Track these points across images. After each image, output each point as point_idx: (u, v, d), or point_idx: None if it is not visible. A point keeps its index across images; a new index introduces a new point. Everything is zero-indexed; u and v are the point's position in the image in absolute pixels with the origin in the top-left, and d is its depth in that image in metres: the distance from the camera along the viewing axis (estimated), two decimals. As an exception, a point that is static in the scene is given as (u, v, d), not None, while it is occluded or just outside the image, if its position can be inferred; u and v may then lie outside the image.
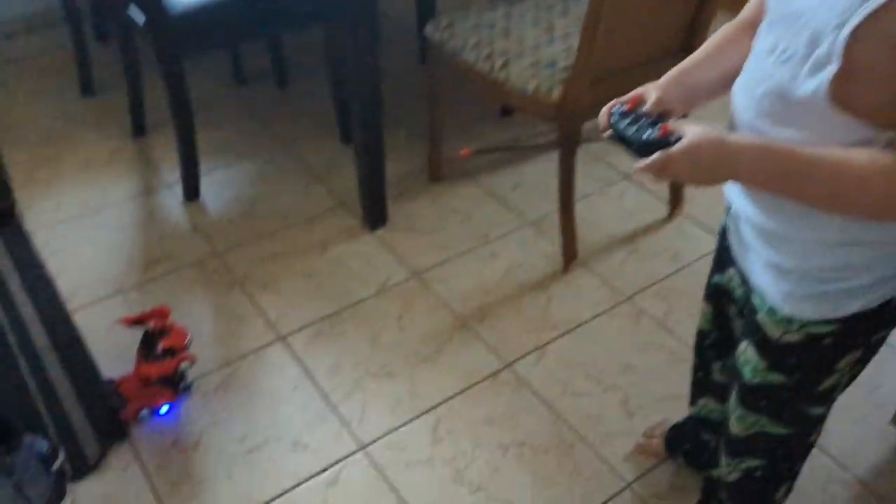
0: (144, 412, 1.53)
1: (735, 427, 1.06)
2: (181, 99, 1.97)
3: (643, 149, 0.84)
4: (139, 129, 2.35)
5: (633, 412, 1.55)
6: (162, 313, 1.54)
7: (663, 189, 2.07)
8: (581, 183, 1.90)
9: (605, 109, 0.91)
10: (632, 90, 0.94)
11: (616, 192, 2.14)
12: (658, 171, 0.83)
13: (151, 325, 1.53)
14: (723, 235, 1.08)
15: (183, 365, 1.55)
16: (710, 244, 1.22)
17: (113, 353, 1.66)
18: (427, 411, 1.55)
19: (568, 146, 1.75)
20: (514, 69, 1.73)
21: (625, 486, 1.42)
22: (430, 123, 2.10)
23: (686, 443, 1.40)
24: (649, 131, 0.85)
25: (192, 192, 2.10)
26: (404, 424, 1.53)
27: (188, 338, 1.54)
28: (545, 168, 2.17)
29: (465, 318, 1.76)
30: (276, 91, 2.57)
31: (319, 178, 2.19)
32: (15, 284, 1.90)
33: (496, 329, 1.73)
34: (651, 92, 0.93)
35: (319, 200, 2.11)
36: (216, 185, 2.16)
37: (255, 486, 1.42)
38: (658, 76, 0.98)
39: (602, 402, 1.57)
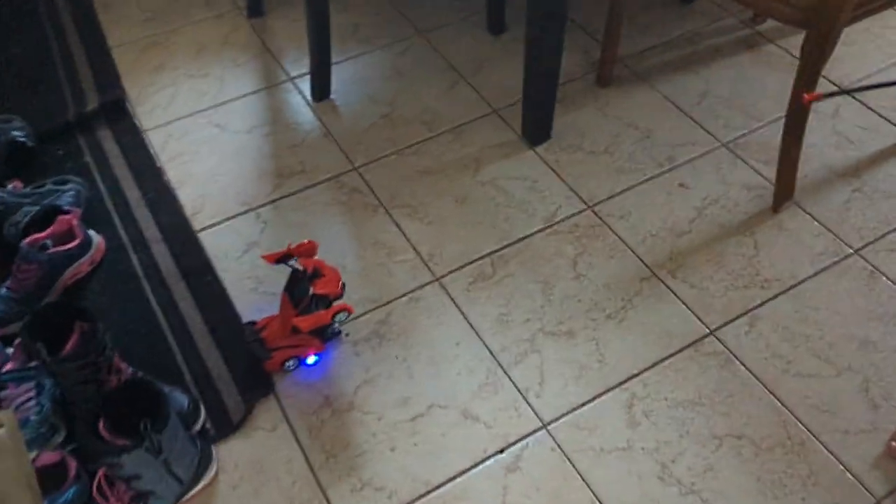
0: (291, 362, 1.32)
1: None
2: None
3: None
4: (255, 7, 2.03)
5: (879, 403, 1.26)
6: (310, 250, 1.30)
7: (891, 108, 1.68)
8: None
9: None
10: None
11: (830, 111, 1.75)
12: None
13: (300, 263, 1.29)
14: None
15: (338, 316, 1.32)
16: None
17: (248, 286, 1.45)
18: (619, 385, 1.30)
19: (819, 50, 1.35)
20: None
21: (874, 502, 1.16)
22: (611, 9, 1.71)
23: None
24: None
25: (323, 89, 1.81)
26: (592, 400, 1.28)
27: (342, 283, 1.30)
28: (736, 74, 1.79)
29: (654, 265, 1.47)
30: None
31: (465, 75, 1.86)
32: (134, 197, 1.69)
33: (694, 283, 1.44)
34: None
35: (469, 105, 1.79)
36: (347, 82, 1.86)
37: (423, 465, 1.22)
38: None
39: (836, 387, 1.29)
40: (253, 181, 1.64)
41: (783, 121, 1.47)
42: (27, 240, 1.40)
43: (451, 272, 1.47)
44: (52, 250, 1.40)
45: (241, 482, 1.20)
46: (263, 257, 1.28)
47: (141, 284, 1.46)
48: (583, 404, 1.28)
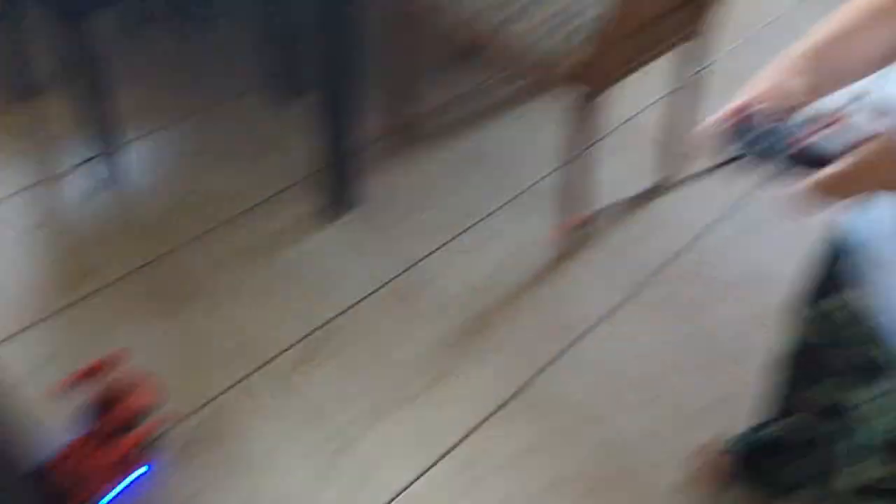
0: (99, 498, 1.21)
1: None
2: (89, 55, 1.54)
3: (803, 161, 0.66)
4: (24, 88, 1.87)
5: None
6: (114, 362, 1.21)
7: (645, 159, 1.86)
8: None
9: (709, 129, 0.73)
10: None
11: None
12: (839, 184, 0.65)
13: (101, 383, 1.19)
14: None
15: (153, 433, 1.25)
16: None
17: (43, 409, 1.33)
18: (450, 450, 1.34)
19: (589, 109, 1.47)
20: (521, 26, 1.44)
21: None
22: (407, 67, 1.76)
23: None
24: (827, 138, 0.66)
25: (114, 174, 1.71)
26: (429, 468, 1.31)
27: (154, 394, 1.22)
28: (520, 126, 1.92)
29: (468, 322, 1.53)
30: (181, 33, 2.12)
31: (268, 146, 1.84)
32: None
33: (500, 341, 1.51)
34: (790, 80, 0.72)
35: (273, 176, 1.77)
36: (139, 163, 1.77)
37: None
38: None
39: (652, 414, 1.41)
40: (40, 289, 1.51)
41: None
42: None
43: (276, 356, 1.44)
44: None
45: None
46: (59, 386, 1.16)
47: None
48: (422, 473, 1.30)
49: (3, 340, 1.42)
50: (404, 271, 1.60)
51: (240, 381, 1.40)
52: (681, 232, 1.73)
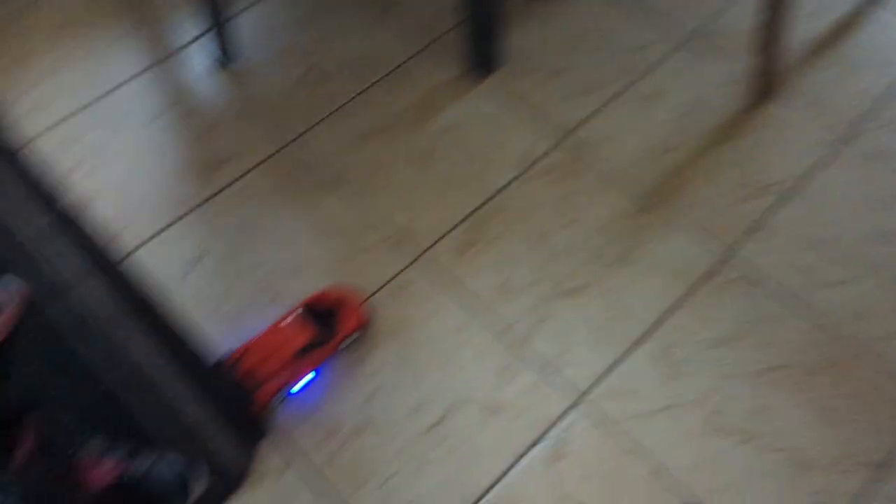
0: (278, 396, 1.14)
1: None
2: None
3: None
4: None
5: (912, 300, 1.20)
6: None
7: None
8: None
9: None
10: None
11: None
12: None
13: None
14: None
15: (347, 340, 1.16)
16: None
17: (204, 309, 1.25)
18: (645, 336, 1.19)
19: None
20: None
21: (932, 407, 1.11)
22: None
23: None
24: None
25: (227, 52, 1.54)
26: (622, 359, 1.17)
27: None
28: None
29: (647, 194, 1.34)
30: None
31: (389, 6, 1.63)
32: (37, 228, 1.41)
33: (693, 206, 1.32)
34: None
35: (400, 42, 1.56)
36: (252, 38, 1.59)
37: (461, 476, 1.09)
38: None
39: (865, 289, 1.22)
40: (175, 182, 1.40)
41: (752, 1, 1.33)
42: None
43: (431, 246, 1.30)
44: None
45: (262, 544, 1.05)
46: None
47: (74, 339, 1.23)
48: (613, 365, 1.17)
49: (150, 239, 1.33)
50: (564, 138, 1.41)
51: (395, 277, 1.27)
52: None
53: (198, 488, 1.07)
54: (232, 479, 1.09)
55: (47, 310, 1.26)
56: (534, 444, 1.11)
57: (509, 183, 1.36)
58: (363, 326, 1.19)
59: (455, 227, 1.31)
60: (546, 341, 1.19)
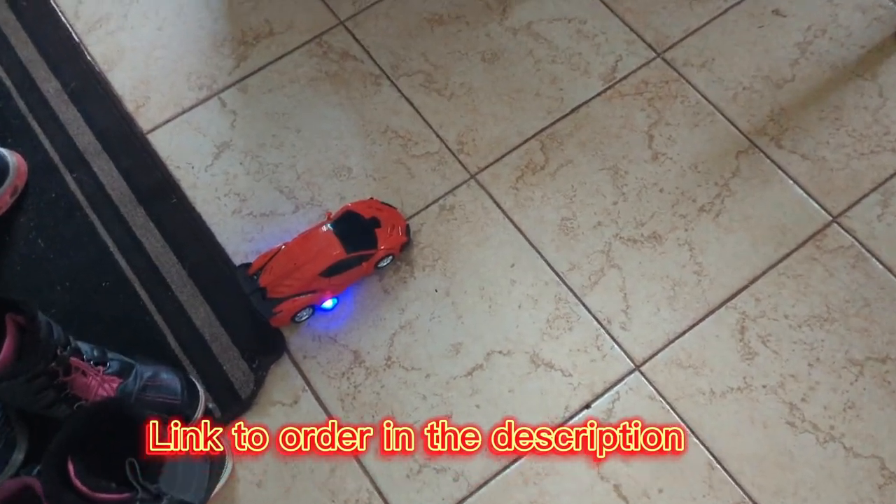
0: (304, 312, 1.02)
1: None
2: None
3: None
4: None
5: None
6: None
7: None
8: None
9: None
10: None
11: None
12: None
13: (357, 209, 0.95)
14: None
15: (382, 262, 1.01)
16: None
17: (228, 206, 1.11)
18: (724, 303, 1.02)
19: None
20: None
21: None
22: None
23: None
24: None
25: None
26: (693, 326, 1.01)
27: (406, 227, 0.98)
28: None
29: (753, 131, 1.13)
30: None
31: None
32: (53, 90, 1.23)
33: (806, 152, 1.11)
34: None
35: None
36: None
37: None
38: None
39: None
40: (207, 54, 1.23)
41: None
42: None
43: (490, 164, 1.12)
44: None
45: (265, 477, 0.95)
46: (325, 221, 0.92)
47: (87, 216, 1.11)
48: (682, 333, 1.01)
49: (174, 118, 1.17)
50: (661, 54, 1.19)
51: (443, 196, 1.11)
52: None
53: (201, 404, 0.96)
54: (241, 397, 0.98)
55: (55, 183, 1.13)
56: (579, 412, 0.97)
57: (590, 99, 1.16)
58: (402, 248, 1.04)
59: (520, 144, 1.13)
60: (606, 294, 1.03)
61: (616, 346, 1.00)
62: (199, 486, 0.87)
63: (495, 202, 1.10)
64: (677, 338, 1.01)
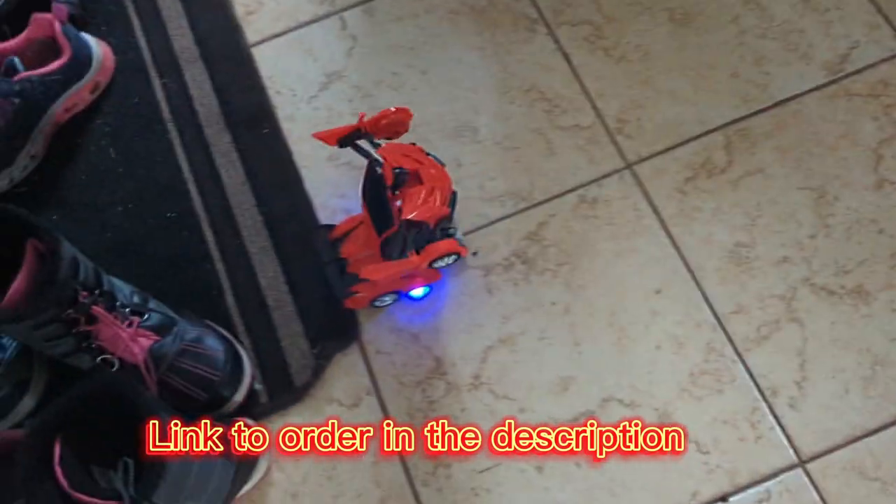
0: (387, 297, 0.82)
1: None
2: None
3: None
4: None
5: None
6: (397, 125, 0.72)
7: None
8: None
9: None
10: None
11: None
12: None
13: (378, 153, 0.73)
14: None
15: (440, 261, 0.79)
16: None
17: (324, 151, 0.92)
18: (944, 404, 0.75)
19: None
20: None
21: None
22: None
23: None
24: None
25: None
26: (880, 428, 0.75)
27: (449, 198, 0.75)
28: None
29: None
30: None
31: None
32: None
33: None
34: None
35: None
36: None
37: (588, 505, 0.75)
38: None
39: None
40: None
41: None
42: (-11, 53, 0.89)
43: (654, 155, 0.87)
44: (23, 75, 0.89)
45: (302, 489, 0.78)
46: (317, 136, 0.71)
47: (167, 132, 0.95)
48: (874, 431, 0.74)
49: (285, 33, 0.99)
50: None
51: (587, 184, 0.87)
52: None
53: (244, 385, 0.79)
54: (294, 385, 0.81)
55: (140, 87, 0.98)
56: (710, 502, 0.73)
57: (805, 93, 0.88)
58: (439, 222, 0.81)
59: (699, 136, 0.87)
60: (777, 356, 0.78)
61: (777, 428, 0.75)
62: (218, 492, 0.70)
63: (652, 205, 0.85)
64: (865, 436, 0.74)
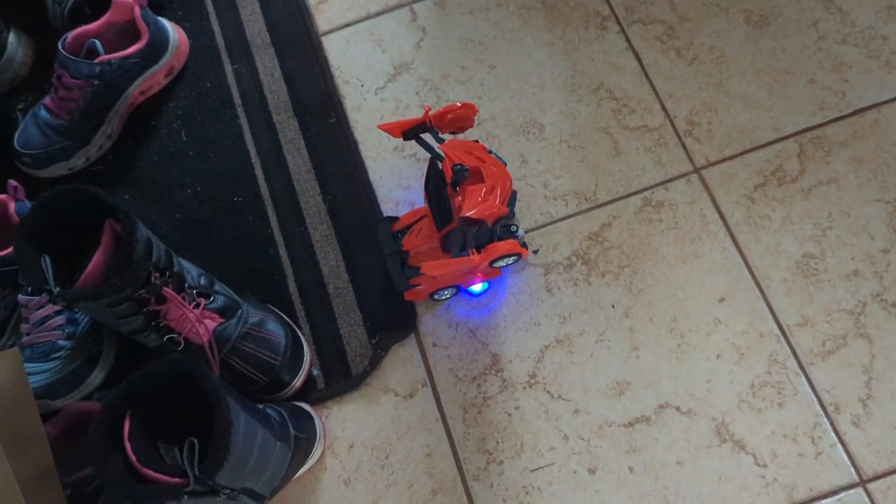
0: (447, 290, 0.83)
1: None
2: None
3: None
4: None
5: None
6: (462, 119, 0.72)
7: None
8: None
9: None
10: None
11: None
12: None
13: (441, 148, 0.73)
14: None
15: (500, 261, 0.79)
16: None
17: (391, 142, 0.93)
18: None
19: None
20: None
21: None
22: None
23: None
24: None
25: None
26: (961, 451, 0.72)
27: (508, 196, 0.75)
28: None
29: None
30: None
31: None
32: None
33: None
34: None
35: None
36: None
37: (640, 510, 0.75)
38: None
39: None
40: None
41: None
42: (72, 35, 0.92)
43: (724, 160, 0.86)
44: (103, 58, 0.92)
45: (355, 476, 0.79)
46: (382, 128, 0.72)
47: (237, 117, 0.97)
48: (941, 456, 0.72)
49: (356, 23, 1.00)
50: None
51: (652, 188, 0.86)
52: None
53: (304, 370, 0.81)
54: (352, 372, 0.82)
55: (213, 72, 0.99)
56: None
57: (885, 102, 0.85)
58: (497, 222, 0.81)
59: (771, 143, 0.86)
60: (842, 371, 0.76)
61: (839, 446, 0.74)
62: (274, 474, 0.72)
63: (719, 211, 0.83)
64: (932, 459, 0.72)
